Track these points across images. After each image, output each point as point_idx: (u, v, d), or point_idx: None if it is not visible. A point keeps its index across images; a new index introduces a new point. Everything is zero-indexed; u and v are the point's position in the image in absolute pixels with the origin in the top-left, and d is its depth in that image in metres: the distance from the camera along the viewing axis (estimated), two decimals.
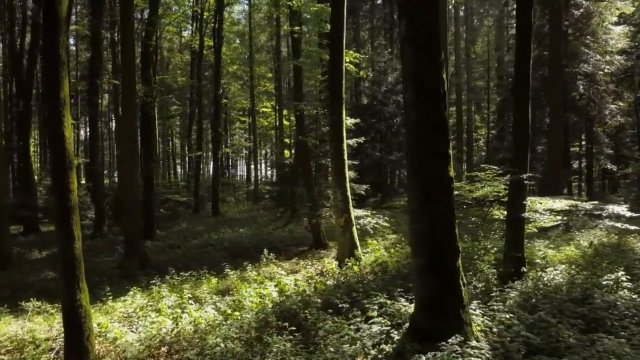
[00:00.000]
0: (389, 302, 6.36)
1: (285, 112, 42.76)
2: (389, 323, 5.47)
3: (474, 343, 4.44)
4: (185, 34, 44.77)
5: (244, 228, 19.55)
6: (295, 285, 7.87)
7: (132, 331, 6.08)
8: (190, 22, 34.73)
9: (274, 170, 41.55)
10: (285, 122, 41.57)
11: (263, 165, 54.74)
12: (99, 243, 17.61)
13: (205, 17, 31.01)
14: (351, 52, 14.09)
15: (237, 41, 44.82)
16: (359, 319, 5.64)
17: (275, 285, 7.83)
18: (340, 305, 6.72)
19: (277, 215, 26.29)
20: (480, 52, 38.39)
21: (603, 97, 19.85)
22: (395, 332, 5.24)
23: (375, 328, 5.32)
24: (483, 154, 35.46)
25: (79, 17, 34.85)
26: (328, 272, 9.44)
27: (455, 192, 9.19)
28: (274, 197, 33.58)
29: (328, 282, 8.49)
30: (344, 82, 10.84)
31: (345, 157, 10.65)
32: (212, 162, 46.30)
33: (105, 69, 24.68)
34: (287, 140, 40.34)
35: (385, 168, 27.07)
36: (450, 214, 5.00)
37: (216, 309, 6.79)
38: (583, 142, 23.88)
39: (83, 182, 37.46)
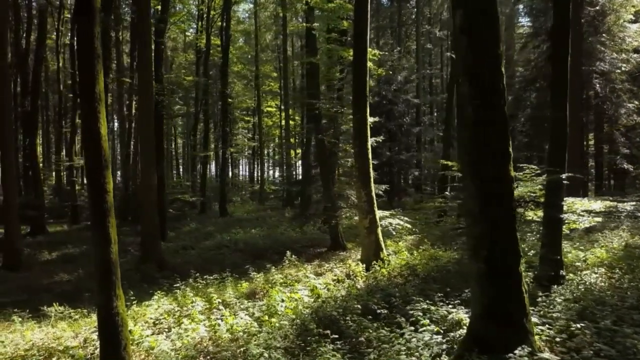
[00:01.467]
0: (432, 308, 6.08)
1: (290, 111, 42.55)
2: (441, 331, 5.20)
3: (545, 355, 4.16)
4: (188, 32, 44.55)
5: (256, 229, 19.26)
6: (327, 289, 7.58)
7: (165, 339, 5.78)
8: (196, 20, 34.40)
9: (283, 170, 41.27)
10: (290, 122, 41.37)
11: (265, 165, 54.32)
12: None
13: (211, 15, 30.72)
14: (370, 49, 13.80)
15: (241, 40, 44.57)
16: (409, 328, 5.34)
17: (311, 290, 7.53)
18: (379, 311, 6.45)
19: (287, 215, 26.07)
20: None
21: (619, 96, 19.57)
22: (448, 341, 4.96)
23: (426, 336, 5.04)
24: None
25: None
26: (356, 275, 9.15)
27: None
28: (283, 197, 33.39)
29: (358, 286, 8.22)
30: (368, 79, 10.57)
31: (370, 156, 10.37)
32: (218, 162, 46.10)
33: (110, 68, 24.41)
34: (292, 139, 40.10)
35: (394, 168, 26.78)
36: (512, 216, 4.71)
37: (250, 314, 6.49)
38: (591, 142, 23.66)
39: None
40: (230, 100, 39.89)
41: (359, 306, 6.39)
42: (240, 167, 65.35)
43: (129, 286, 9.79)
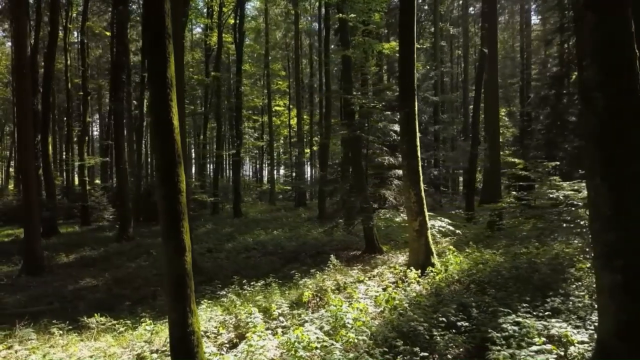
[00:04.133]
0: (526, 321, 5.45)
1: (295, 111, 41.93)
2: (556, 352, 4.57)
3: None
4: (195, 31, 43.91)
5: (277, 230, 18.64)
6: (392, 297, 6.94)
7: (234, 358, 5.15)
8: (205, 17, 33.73)
9: (293, 170, 40.60)
10: (294, 121, 40.75)
11: (275, 165, 53.72)
12: (127, 247, 16.69)
13: (223, 11, 30.10)
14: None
15: (247, 40, 43.97)
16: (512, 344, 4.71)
17: (374, 299, 6.90)
18: (459, 324, 5.82)
19: (303, 216, 25.44)
20: (504, 47, 37.50)
21: None
22: None
23: (539, 357, 4.41)
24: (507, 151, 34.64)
25: (91, 12, 33.87)
26: (411, 281, 8.51)
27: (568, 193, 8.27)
28: (294, 198, 32.69)
29: (419, 293, 7.59)
30: (415, 72, 9.95)
31: (419, 153, 9.74)
32: (225, 162, 45.45)
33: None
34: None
35: None
36: None
37: (319, 327, 5.85)
38: None
39: (97, 181, 36.55)
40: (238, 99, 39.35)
41: (444, 319, 5.75)
42: (245, 167, 64.80)
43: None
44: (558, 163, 11.84)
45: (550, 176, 8.79)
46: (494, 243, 12.87)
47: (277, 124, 47.41)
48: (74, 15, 33.68)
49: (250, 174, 62.00)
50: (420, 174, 9.76)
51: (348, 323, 6.03)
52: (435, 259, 9.61)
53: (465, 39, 37.11)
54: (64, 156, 34.07)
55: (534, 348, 4.61)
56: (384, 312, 6.57)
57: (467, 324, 5.89)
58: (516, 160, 9.81)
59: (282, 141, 52.42)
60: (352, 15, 12.16)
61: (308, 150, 42.44)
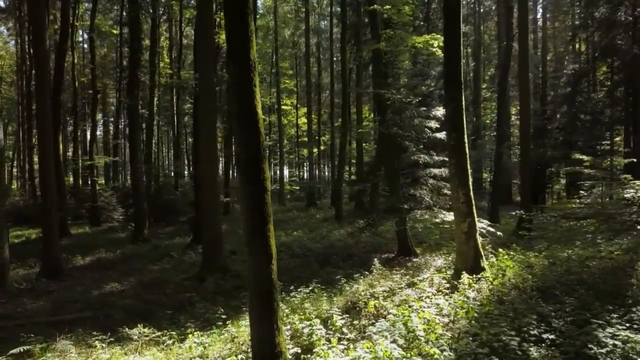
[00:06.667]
0: (630, 334, 4.92)
1: (303, 110, 41.39)
2: None
3: None
4: None
5: (297, 231, 18.10)
6: (461, 306, 6.38)
7: None
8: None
9: (302, 170, 40.08)
10: (304, 120, 40.15)
11: (284, 164, 53.19)
12: (145, 248, 16.13)
13: None
14: (438, 35, 12.66)
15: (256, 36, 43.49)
16: None
17: (439, 308, 6.35)
18: (544, 336, 5.29)
19: (317, 216, 24.87)
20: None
21: None
22: None
23: None
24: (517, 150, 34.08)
25: (97, 10, 33.31)
26: (466, 287, 7.95)
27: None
28: (306, 197, 32.13)
29: (486, 301, 7.04)
30: (462, 64, 9.40)
31: (467, 150, 9.19)
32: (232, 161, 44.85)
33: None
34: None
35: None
36: None
37: (392, 340, 5.30)
38: None
39: (101, 182, 35.99)
40: None
41: (535, 332, 5.20)
42: None
43: (203, 299, 8.64)
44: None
45: (620, 175, 8.24)
46: (531, 245, 12.35)
47: (284, 123, 46.86)
48: (80, 13, 33.14)
49: None
50: (469, 172, 9.21)
51: (420, 335, 5.49)
52: (484, 263, 9.07)
53: (476, 37, 36.58)
54: (67, 155, 33.43)
55: None
56: (455, 323, 6.01)
57: (552, 336, 5.36)
58: (584, 157, 9.25)
59: (286, 141, 51.87)
60: (387, 6, 11.61)
61: (316, 150, 41.91)
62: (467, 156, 9.21)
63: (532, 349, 4.88)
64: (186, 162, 48.02)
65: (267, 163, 3.73)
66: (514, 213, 19.52)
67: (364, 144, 31.07)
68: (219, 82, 15.51)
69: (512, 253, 10.21)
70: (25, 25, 33.02)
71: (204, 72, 10.99)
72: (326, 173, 50.28)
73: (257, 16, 36.10)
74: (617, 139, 27.39)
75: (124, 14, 28.11)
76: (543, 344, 5.17)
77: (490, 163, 26.32)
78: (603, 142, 21.14)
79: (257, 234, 3.63)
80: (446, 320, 6.19)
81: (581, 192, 9.94)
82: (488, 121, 38.96)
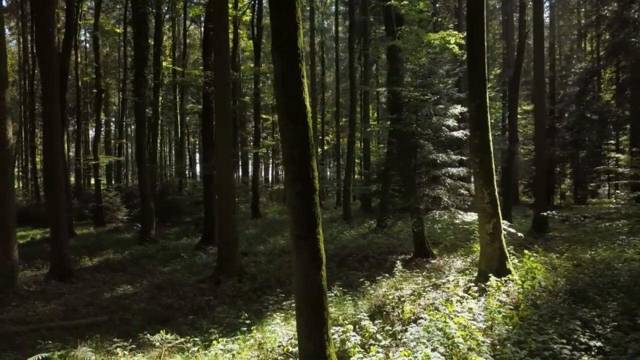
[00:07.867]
0: None
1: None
2: None
3: None
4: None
5: None
6: (497, 311, 6.11)
7: None
8: None
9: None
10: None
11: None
12: (153, 249, 15.86)
13: (238, 7, 29.27)
14: (456, 32, 12.40)
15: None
16: None
17: (469, 310, 6.08)
18: (592, 343, 5.02)
19: (324, 216, 24.61)
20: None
21: None
22: None
23: None
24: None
25: (102, 9, 33.04)
26: (494, 290, 7.68)
27: None
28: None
29: (520, 305, 6.77)
30: (486, 61, 9.13)
31: (492, 149, 8.92)
32: (241, 163, 44.66)
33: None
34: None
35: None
36: None
37: (432, 348, 5.03)
38: None
39: (104, 181, 35.68)
40: (247, 98, 38.50)
41: (584, 340, 4.93)
42: (249, 167, 64.01)
43: (221, 302, 8.36)
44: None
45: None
46: (550, 246, 12.09)
47: None
48: (83, 12, 32.88)
49: (252, 174, 61.16)
50: (494, 172, 8.95)
51: (459, 342, 5.22)
52: (510, 265, 8.80)
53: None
54: (70, 155, 33.14)
55: None
56: (493, 329, 5.74)
57: (599, 343, 5.09)
58: (619, 155, 8.99)
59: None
60: (404, 2, 11.33)
61: (320, 150, 41.70)
62: (492, 155, 8.95)
63: (584, 357, 4.61)
64: (188, 161, 47.77)
65: (315, 160, 3.46)
66: (527, 213, 19.29)
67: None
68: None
69: (535, 255, 9.95)
70: (27, 24, 32.76)
71: (219, 70, 10.70)
72: (329, 173, 50.04)
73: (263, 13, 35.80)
74: (622, 138, 27.14)
75: (128, 12, 27.84)
76: (592, 353, 4.91)
77: (497, 163, 26.10)
78: (609, 142, 20.88)
79: (307, 238, 3.36)
80: (482, 325, 5.92)
81: (617, 191, 9.66)
82: (493, 120, 38.72)
